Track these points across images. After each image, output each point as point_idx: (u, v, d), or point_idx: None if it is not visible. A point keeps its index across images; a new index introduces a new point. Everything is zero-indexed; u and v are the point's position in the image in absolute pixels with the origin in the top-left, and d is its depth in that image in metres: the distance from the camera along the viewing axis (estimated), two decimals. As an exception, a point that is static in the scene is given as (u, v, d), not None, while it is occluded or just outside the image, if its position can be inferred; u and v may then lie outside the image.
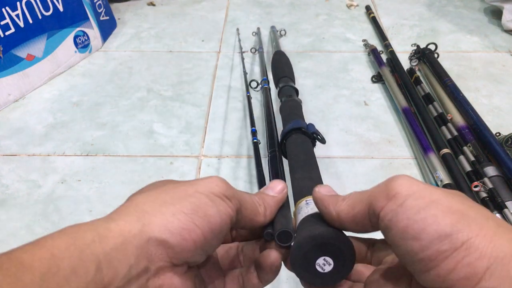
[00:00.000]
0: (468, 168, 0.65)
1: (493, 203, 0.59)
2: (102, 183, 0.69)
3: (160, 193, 0.24)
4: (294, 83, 0.70)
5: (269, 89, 0.71)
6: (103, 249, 0.20)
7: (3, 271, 0.17)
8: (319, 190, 0.27)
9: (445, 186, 0.62)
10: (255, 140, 0.58)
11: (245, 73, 0.83)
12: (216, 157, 0.74)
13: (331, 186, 0.28)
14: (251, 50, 0.95)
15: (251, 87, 0.73)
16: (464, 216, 0.20)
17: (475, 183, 0.61)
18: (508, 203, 0.58)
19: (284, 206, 0.31)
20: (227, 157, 0.73)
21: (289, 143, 0.47)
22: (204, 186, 0.25)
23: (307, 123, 0.51)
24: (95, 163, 0.73)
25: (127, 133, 0.79)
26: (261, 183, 0.48)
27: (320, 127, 0.80)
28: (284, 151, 0.49)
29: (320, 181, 0.37)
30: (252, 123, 0.65)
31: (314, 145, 0.49)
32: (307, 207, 0.30)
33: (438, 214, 0.20)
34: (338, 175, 0.70)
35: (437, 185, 0.64)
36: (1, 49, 0.83)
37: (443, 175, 0.63)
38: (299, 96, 0.66)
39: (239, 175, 0.70)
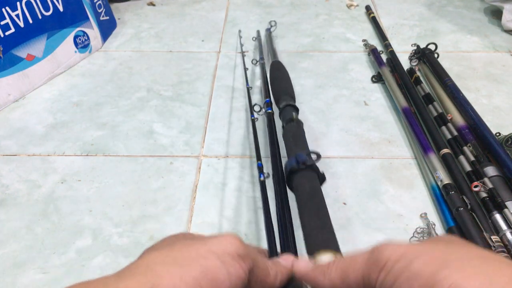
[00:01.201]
0: (468, 168, 0.65)
1: (493, 203, 0.59)
2: (102, 183, 0.69)
3: (172, 251, 0.24)
4: (294, 99, 0.68)
5: (273, 114, 0.67)
6: None
7: None
8: (298, 268, 0.28)
9: (445, 186, 0.62)
10: (261, 178, 0.52)
11: (248, 91, 0.77)
12: (216, 157, 0.74)
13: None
14: (252, 61, 0.94)
15: (255, 111, 0.69)
16: (446, 261, 0.21)
17: (475, 183, 0.61)
18: (508, 203, 0.58)
19: (294, 279, 0.30)
20: (227, 157, 0.73)
21: (296, 180, 0.46)
22: (218, 245, 0.25)
23: (311, 151, 0.49)
24: (95, 163, 0.73)
25: (127, 133, 0.79)
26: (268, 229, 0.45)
27: (320, 127, 0.80)
28: (291, 185, 0.48)
29: (331, 230, 0.37)
30: (258, 156, 0.59)
31: (321, 182, 0.47)
32: None
33: (421, 268, 0.21)
34: (338, 175, 0.70)
35: (437, 185, 0.64)
36: (1, 49, 0.83)
37: (443, 175, 0.63)
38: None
39: (240, 175, 0.70)
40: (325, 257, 0.31)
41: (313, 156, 0.47)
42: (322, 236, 0.35)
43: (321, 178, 0.46)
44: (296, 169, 0.46)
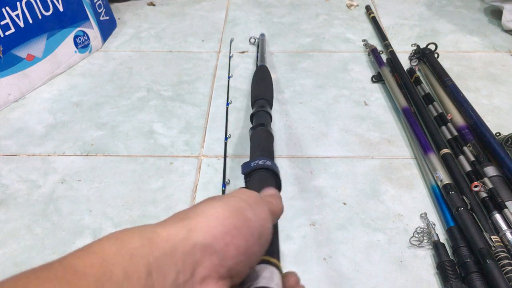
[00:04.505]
0: (468, 168, 0.65)
1: (493, 203, 0.59)
2: (102, 183, 0.69)
3: (201, 202, 0.25)
4: (270, 105, 0.65)
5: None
6: (153, 254, 0.20)
7: (58, 278, 0.18)
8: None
9: (445, 186, 0.62)
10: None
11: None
12: (216, 157, 0.74)
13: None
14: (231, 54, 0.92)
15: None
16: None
17: (475, 183, 0.61)
18: (508, 203, 0.58)
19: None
20: (228, 157, 0.73)
21: (253, 179, 0.43)
22: (241, 194, 0.26)
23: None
24: (95, 163, 0.73)
25: (127, 133, 0.79)
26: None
27: (320, 127, 0.80)
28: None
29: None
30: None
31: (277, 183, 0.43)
32: (262, 273, 0.26)
33: None
34: (338, 175, 0.70)
35: (437, 185, 0.64)
36: (1, 49, 0.83)
37: (443, 175, 0.63)
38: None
39: (240, 175, 0.70)
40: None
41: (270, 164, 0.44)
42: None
43: (278, 182, 0.42)
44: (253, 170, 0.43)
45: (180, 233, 0.22)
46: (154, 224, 0.22)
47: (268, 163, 0.42)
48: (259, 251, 0.25)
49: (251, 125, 0.57)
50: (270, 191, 0.32)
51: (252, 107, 0.65)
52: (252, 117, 0.60)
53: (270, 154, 0.49)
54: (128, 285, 0.19)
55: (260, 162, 0.42)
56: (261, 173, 0.41)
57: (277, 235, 0.30)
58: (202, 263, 0.22)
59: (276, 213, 0.28)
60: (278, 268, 0.27)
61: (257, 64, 0.87)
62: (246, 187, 0.42)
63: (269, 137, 0.53)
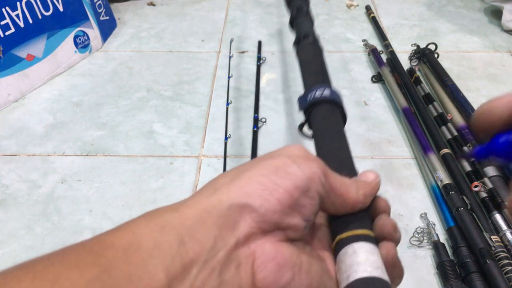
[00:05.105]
0: (468, 168, 0.65)
1: (493, 203, 0.59)
2: (102, 183, 0.69)
3: (237, 167, 0.23)
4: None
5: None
6: (184, 224, 0.19)
7: (86, 249, 0.18)
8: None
9: (445, 186, 0.62)
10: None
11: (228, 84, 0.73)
12: (216, 157, 0.74)
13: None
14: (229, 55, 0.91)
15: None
16: None
17: (475, 183, 0.61)
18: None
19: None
20: (228, 157, 0.73)
21: (314, 116, 0.36)
22: (284, 150, 0.23)
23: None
24: (95, 163, 0.73)
25: (127, 133, 0.79)
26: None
27: (320, 127, 0.80)
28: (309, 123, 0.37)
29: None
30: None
31: (342, 117, 0.37)
32: (358, 259, 0.22)
33: None
34: (338, 175, 0.70)
35: (437, 185, 0.64)
36: (1, 49, 0.83)
37: (443, 175, 0.63)
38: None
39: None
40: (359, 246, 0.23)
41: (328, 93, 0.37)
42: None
43: (343, 115, 0.37)
44: (316, 102, 0.36)
45: (212, 199, 0.21)
46: (185, 199, 0.22)
47: (327, 92, 0.36)
48: (311, 203, 0.22)
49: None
50: (369, 175, 0.26)
51: (289, 6, 0.53)
52: (291, 23, 0.49)
53: (325, 77, 0.41)
54: (159, 254, 0.18)
55: (317, 94, 0.35)
56: (322, 108, 0.35)
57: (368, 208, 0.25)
58: (242, 222, 0.20)
59: (341, 183, 0.24)
60: (371, 238, 0.23)
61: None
62: (310, 127, 0.37)
63: (319, 54, 0.44)
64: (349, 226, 0.24)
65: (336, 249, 0.23)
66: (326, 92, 0.35)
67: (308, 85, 0.40)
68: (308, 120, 0.36)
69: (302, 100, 0.37)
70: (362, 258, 0.21)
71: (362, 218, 0.24)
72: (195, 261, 0.19)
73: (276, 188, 0.21)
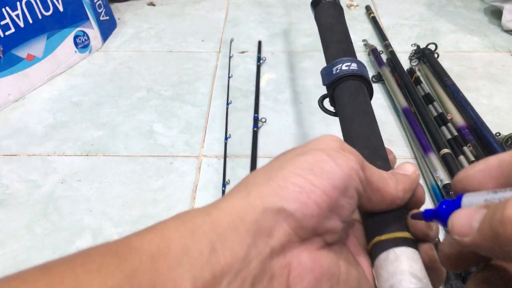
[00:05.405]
0: (468, 168, 0.65)
1: (493, 203, 0.59)
2: (102, 183, 0.69)
3: (270, 163, 0.21)
4: None
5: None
6: (216, 230, 0.18)
7: (111, 252, 0.17)
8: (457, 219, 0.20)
9: (445, 186, 0.62)
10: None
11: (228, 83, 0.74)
12: (216, 157, 0.74)
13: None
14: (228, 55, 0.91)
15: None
16: None
17: (475, 183, 0.61)
18: (508, 203, 0.58)
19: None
20: (228, 157, 0.73)
21: (341, 93, 0.33)
22: (317, 142, 0.22)
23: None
24: (95, 163, 0.73)
25: (127, 133, 0.79)
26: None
27: (320, 127, 0.80)
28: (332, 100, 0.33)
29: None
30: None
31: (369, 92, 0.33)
32: (401, 268, 0.20)
33: None
34: (338, 175, 0.70)
35: (437, 185, 0.64)
36: (1, 49, 0.83)
37: (443, 175, 0.63)
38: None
39: (240, 175, 0.70)
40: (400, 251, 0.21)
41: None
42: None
43: (370, 90, 0.33)
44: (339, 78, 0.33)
45: (245, 203, 0.19)
46: (219, 199, 0.20)
47: (354, 66, 0.33)
48: (349, 203, 0.21)
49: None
50: (407, 167, 0.25)
51: None
52: None
53: (349, 47, 0.37)
54: (188, 261, 0.17)
55: (344, 68, 0.33)
56: (351, 84, 0.32)
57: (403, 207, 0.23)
58: (277, 229, 0.19)
59: (379, 177, 0.22)
60: (413, 242, 0.21)
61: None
62: (332, 104, 0.33)
63: (340, 16, 0.37)
64: (388, 227, 0.22)
65: (373, 251, 0.22)
66: (354, 66, 0.32)
67: (331, 54, 0.37)
68: (332, 96, 0.33)
69: (326, 73, 0.34)
70: (406, 267, 0.20)
71: (401, 217, 0.23)
72: (226, 271, 0.17)
73: (313, 189, 0.19)
